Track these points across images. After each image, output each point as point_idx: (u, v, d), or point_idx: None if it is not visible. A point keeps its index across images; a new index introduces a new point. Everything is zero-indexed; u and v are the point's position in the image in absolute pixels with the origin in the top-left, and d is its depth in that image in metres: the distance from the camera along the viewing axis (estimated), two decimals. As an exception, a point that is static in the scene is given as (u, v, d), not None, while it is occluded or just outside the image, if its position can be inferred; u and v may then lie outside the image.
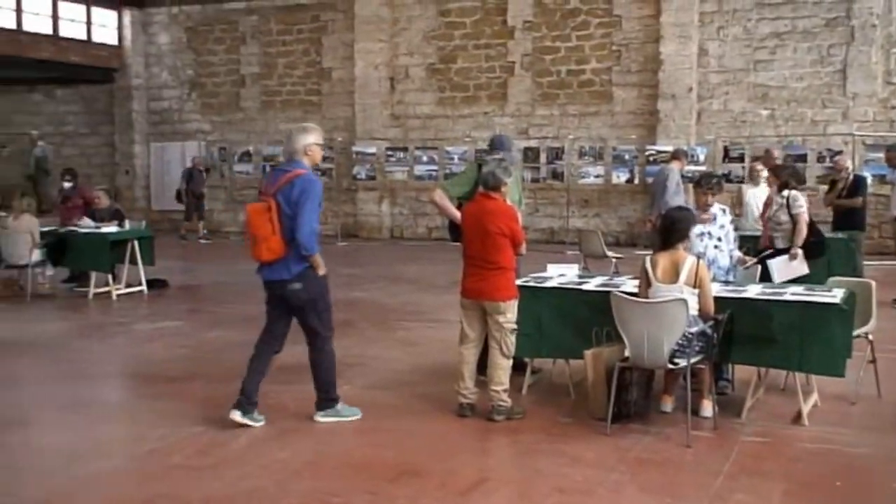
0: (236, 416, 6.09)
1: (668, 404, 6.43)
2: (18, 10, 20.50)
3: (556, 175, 18.89)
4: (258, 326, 9.85)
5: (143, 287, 12.10)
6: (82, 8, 22.02)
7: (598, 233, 12.89)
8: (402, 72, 20.34)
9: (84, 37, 22.15)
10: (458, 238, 6.68)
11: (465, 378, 6.39)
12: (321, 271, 6.01)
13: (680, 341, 5.81)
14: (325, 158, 20.79)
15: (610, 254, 11.98)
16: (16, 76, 21.56)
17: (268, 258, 5.91)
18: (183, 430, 6.14)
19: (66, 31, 21.63)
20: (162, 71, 22.98)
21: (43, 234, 11.78)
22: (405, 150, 20.07)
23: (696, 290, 5.97)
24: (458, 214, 6.98)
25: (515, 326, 6.31)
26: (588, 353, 6.23)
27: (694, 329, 5.85)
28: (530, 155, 18.76)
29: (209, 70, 22.39)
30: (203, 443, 5.87)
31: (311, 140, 6.02)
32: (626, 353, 5.99)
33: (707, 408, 6.28)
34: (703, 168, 16.19)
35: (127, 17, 22.85)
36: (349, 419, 6.26)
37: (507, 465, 5.83)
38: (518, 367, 6.75)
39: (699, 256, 6.36)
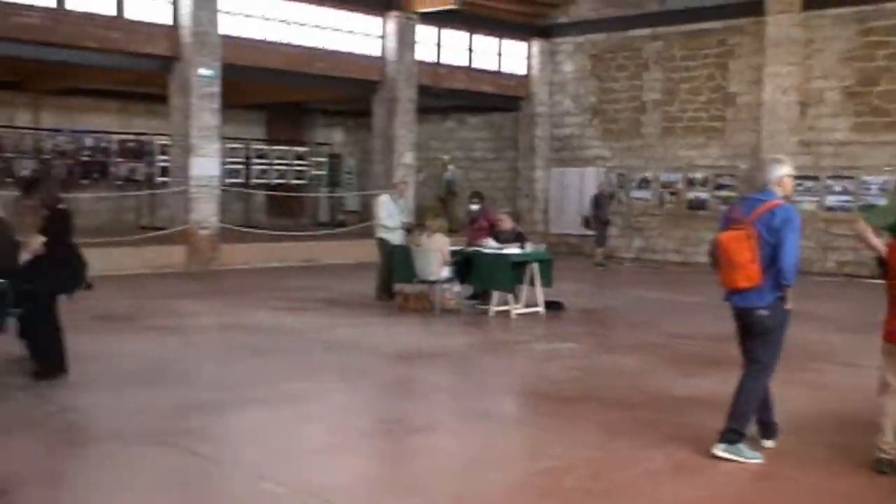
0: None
1: None
2: (438, 45, 22.18)
3: None
4: (652, 354, 9.75)
5: (541, 308, 12.39)
6: (495, 41, 23.34)
7: None
8: (814, 96, 19.15)
9: (495, 67, 23.46)
10: (886, 274, 6.05)
11: (884, 431, 5.74)
12: (789, 304, 5.93)
13: None
14: (724, 186, 20.38)
15: None
16: (433, 105, 23.27)
17: (744, 285, 5.84)
18: (577, 451, 6.13)
19: (478, 62, 23.05)
20: (565, 98, 23.66)
21: (452, 253, 12.45)
22: (815, 178, 18.88)
23: None
24: (881, 247, 6.38)
25: (950, 378, 5.57)
26: None
27: None
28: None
29: (611, 97, 22.66)
30: (596, 467, 5.81)
31: (784, 172, 6.02)
32: None
33: None
34: None
35: (535, 46, 23.83)
36: (749, 461, 5.88)
37: (936, 534, 5.14)
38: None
39: None
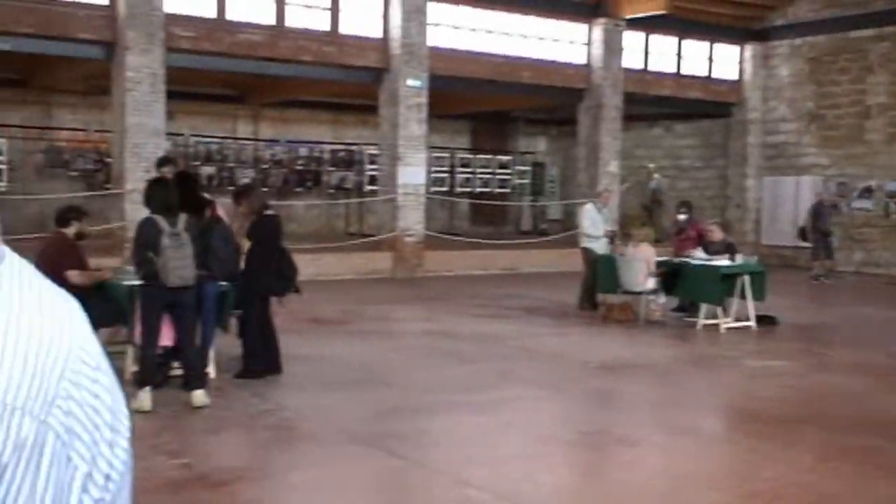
0: None
1: None
2: (646, 51, 21.71)
3: None
4: (877, 376, 9.12)
5: (752, 322, 11.85)
6: (705, 45, 22.63)
7: None
8: None
9: (704, 73, 22.74)
10: None
11: None
12: None
13: None
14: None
15: None
16: (639, 112, 22.81)
17: None
18: (790, 475, 5.79)
19: (687, 68, 22.40)
20: (780, 104, 22.62)
21: (658, 264, 12.13)
22: None
23: None
24: None
25: None
26: None
27: None
28: None
29: (830, 102, 21.44)
30: (812, 494, 5.48)
31: None
32: None
33: None
34: None
35: (748, 51, 22.93)
36: None
37: None
38: None
39: None
